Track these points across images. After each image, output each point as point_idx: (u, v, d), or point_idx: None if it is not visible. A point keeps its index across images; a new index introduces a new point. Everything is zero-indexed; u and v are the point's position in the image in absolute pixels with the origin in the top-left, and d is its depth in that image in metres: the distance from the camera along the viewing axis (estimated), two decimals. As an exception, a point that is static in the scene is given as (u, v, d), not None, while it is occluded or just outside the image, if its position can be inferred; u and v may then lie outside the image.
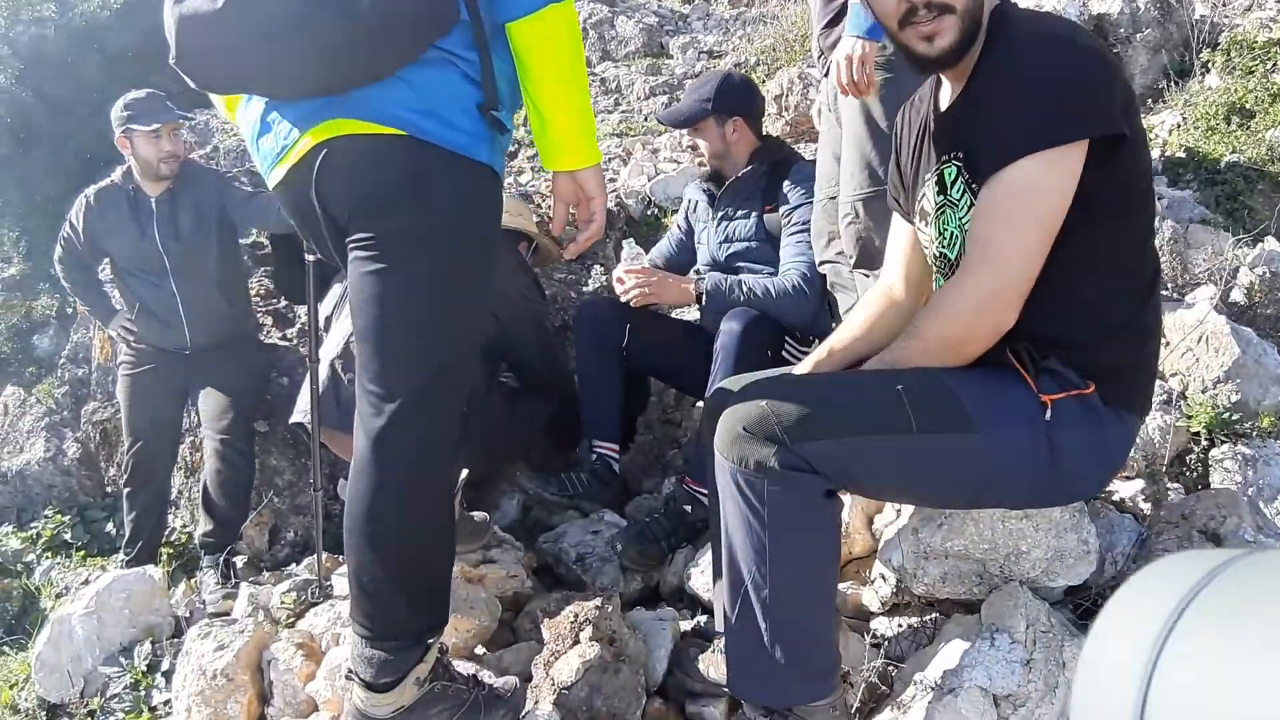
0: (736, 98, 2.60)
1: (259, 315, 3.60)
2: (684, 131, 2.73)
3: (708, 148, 2.63)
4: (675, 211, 3.89)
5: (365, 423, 1.35)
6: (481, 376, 2.79)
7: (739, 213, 2.61)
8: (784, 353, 2.39)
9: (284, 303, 3.71)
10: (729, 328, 2.24)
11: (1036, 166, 1.22)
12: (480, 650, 2.01)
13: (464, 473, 2.07)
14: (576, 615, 1.77)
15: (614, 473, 2.61)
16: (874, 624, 1.81)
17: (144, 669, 2.43)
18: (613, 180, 4.49)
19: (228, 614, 2.60)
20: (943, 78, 1.45)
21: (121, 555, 3.27)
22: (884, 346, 1.66)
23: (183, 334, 3.13)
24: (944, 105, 1.44)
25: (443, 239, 1.30)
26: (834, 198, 2.35)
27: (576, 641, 1.74)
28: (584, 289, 3.75)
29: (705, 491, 2.27)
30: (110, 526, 3.76)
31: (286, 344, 3.53)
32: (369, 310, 1.33)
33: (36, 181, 5.28)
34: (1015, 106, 1.25)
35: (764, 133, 2.71)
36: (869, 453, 1.22)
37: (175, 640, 2.55)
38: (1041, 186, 1.23)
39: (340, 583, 2.43)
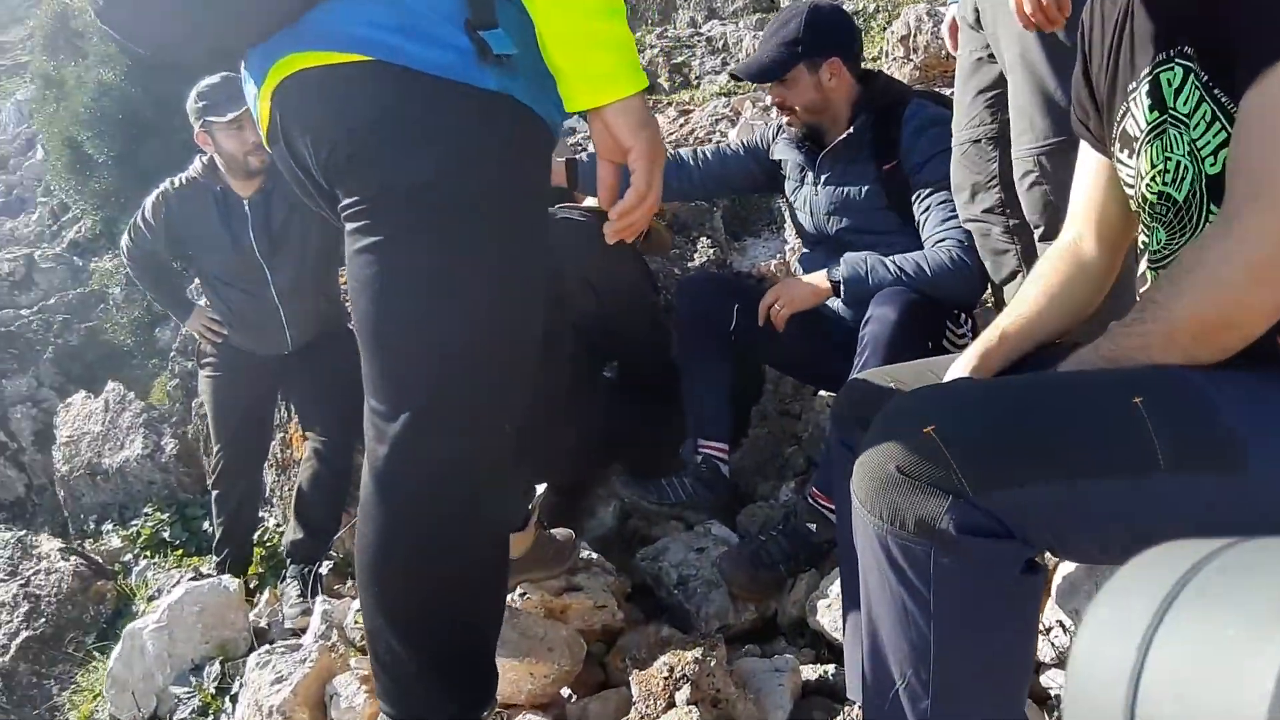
0: (830, 33, 2.10)
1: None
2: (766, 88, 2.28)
3: (801, 102, 2.15)
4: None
5: (368, 450, 1.05)
6: (584, 374, 2.48)
7: (849, 177, 2.16)
8: (944, 342, 1.95)
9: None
10: (882, 313, 1.82)
11: None
12: (566, 692, 1.70)
13: (540, 489, 1.76)
14: (672, 670, 1.43)
15: (722, 477, 2.25)
16: (1045, 678, 1.41)
17: (213, 691, 2.27)
18: (720, 142, 4.07)
19: (305, 630, 2.43)
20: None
21: (213, 557, 3.16)
22: (1069, 326, 1.24)
23: (284, 340, 2.91)
24: None
25: (446, 198, 0.97)
26: (977, 141, 1.89)
27: (671, 704, 1.40)
28: (688, 265, 3.37)
29: (834, 508, 1.88)
30: (208, 525, 3.69)
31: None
32: (360, 301, 1.02)
33: (150, 177, 5.36)
34: None
35: (863, 71, 2.24)
36: (1092, 502, 0.80)
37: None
38: None
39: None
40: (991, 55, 1.80)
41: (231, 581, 2.45)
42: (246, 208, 2.77)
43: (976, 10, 1.81)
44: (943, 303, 1.94)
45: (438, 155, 0.96)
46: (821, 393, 2.67)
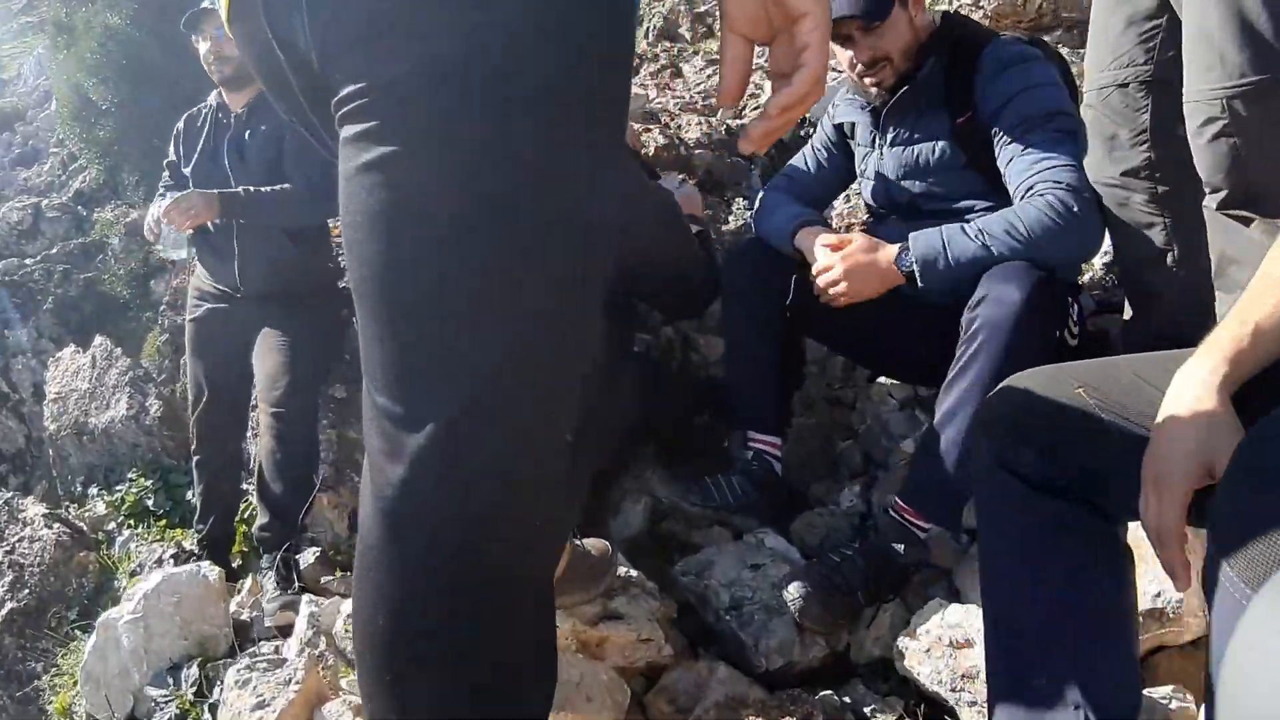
0: None
1: (341, 255, 3.03)
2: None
3: (898, 47, 1.76)
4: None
5: (372, 468, 0.71)
6: (612, 338, 2.14)
7: (919, 132, 1.80)
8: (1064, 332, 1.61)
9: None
10: (1002, 292, 1.46)
11: None
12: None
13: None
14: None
15: (776, 476, 1.93)
16: None
17: (191, 697, 1.98)
18: (755, 96, 3.70)
19: (289, 627, 2.12)
20: None
21: (194, 530, 2.89)
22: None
23: (232, 271, 2.62)
24: None
25: (512, 94, 0.63)
26: (1124, 85, 1.54)
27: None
28: (722, 229, 3.02)
29: (926, 526, 1.56)
30: (191, 494, 3.41)
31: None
32: (366, 246, 0.68)
33: (153, 124, 5.04)
34: None
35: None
36: None
37: (232, 660, 2.11)
38: None
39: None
40: (1157, -26, 1.45)
41: (211, 570, 2.16)
42: (232, 120, 2.67)
43: None
44: (1052, 270, 1.59)
45: (505, 30, 0.62)
46: (881, 380, 2.35)
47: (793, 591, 1.55)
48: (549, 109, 0.65)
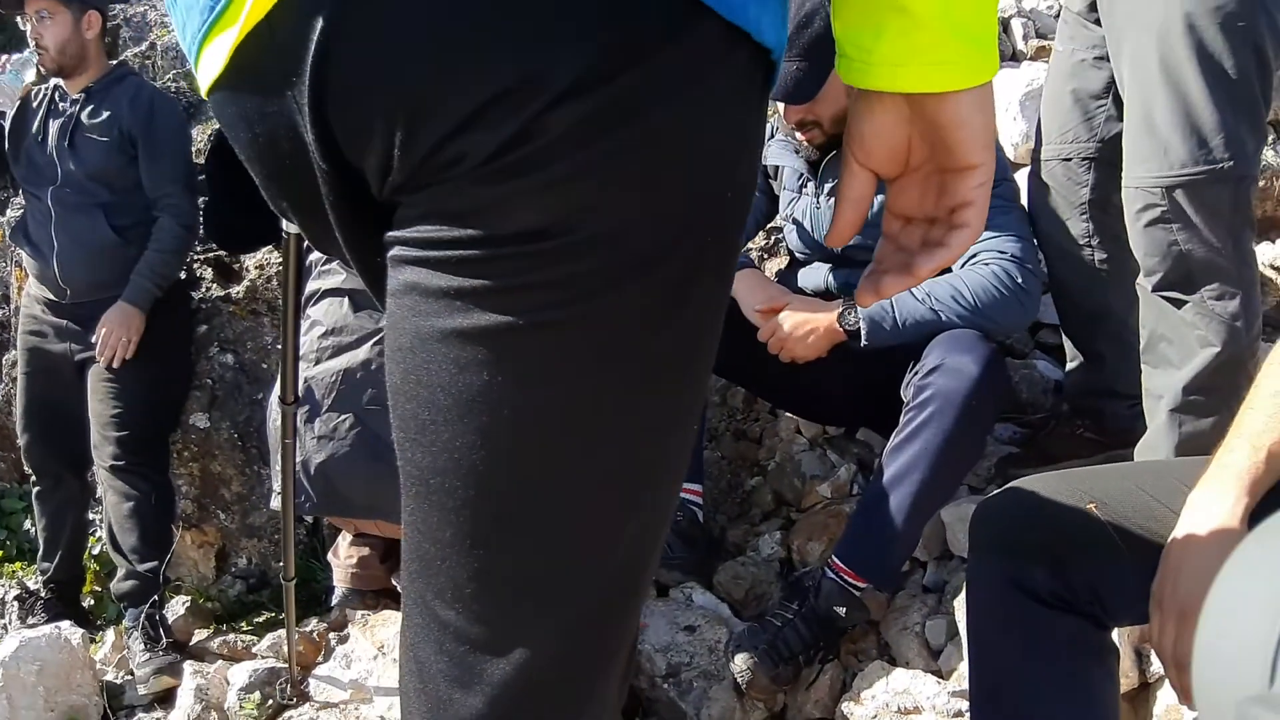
0: (828, 37, 1.71)
1: (195, 264, 2.68)
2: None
3: (832, 112, 1.71)
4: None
5: (429, 691, 0.58)
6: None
7: None
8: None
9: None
10: (959, 363, 1.45)
11: None
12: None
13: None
14: None
15: (700, 527, 1.88)
16: None
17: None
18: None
19: (168, 695, 1.90)
20: None
21: (39, 569, 2.52)
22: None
23: (53, 268, 2.28)
24: None
25: (679, 245, 0.52)
26: (1068, 160, 1.59)
27: None
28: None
29: (862, 585, 1.55)
30: (29, 523, 2.94)
31: (234, 306, 2.64)
32: (451, 435, 0.54)
33: None
34: None
35: None
36: None
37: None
38: None
39: (323, 685, 1.69)
40: (1104, 57, 1.49)
41: (73, 632, 1.93)
42: (66, 104, 2.35)
43: None
44: (991, 335, 1.62)
45: (684, 167, 0.50)
46: (788, 414, 2.35)
47: (740, 664, 1.50)
48: (709, 261, 0.54)
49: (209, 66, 0.52)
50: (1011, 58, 3.40)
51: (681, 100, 0.49)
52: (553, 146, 0.47)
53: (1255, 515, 0.86)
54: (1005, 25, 3.32)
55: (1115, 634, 1.00)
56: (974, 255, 1.61)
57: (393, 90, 0.47)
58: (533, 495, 0.54)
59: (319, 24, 0.46)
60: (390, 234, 0.53)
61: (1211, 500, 0.86)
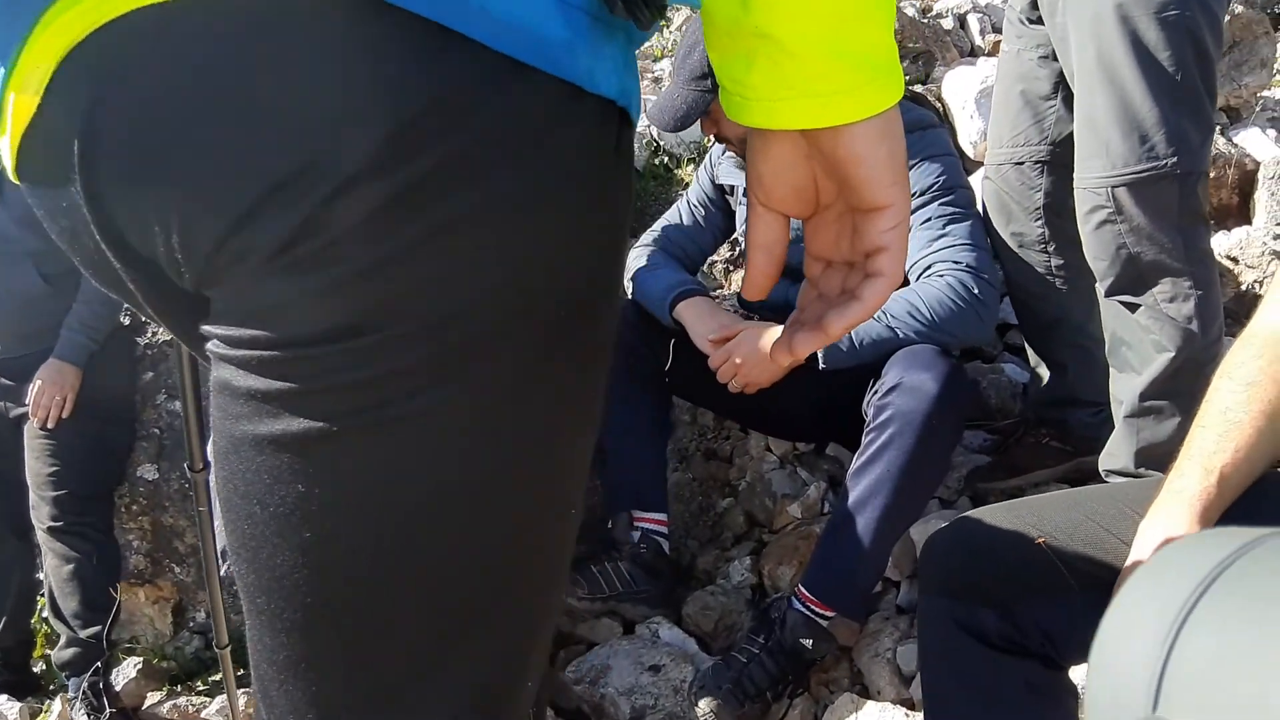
0: (708, 64, 1.63)
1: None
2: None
3: (736, 134, 1.68)
4: (691, 161, 3.01)
5: None
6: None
7: None
8: None
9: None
10: (918, 381, 1.40)
11: None
12: None
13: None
14: None
15: (664, 557, 1.82)
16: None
17: None
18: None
19: None
20: None
21: None
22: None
23: None
24: None
25: (515, 331, 0.46)
26: (1019, 164, 1.53)
27: None
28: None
29: (830, 614, 1.49)
30: None
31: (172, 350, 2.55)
32: (283, 554, 0.47)
33: None
34: None
35: None
36: None
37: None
38: None
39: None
40: (1050, 55, 1.44)
41: (11, 706, 1.84)
42: None
43: None
44: (956, 353, 1.57)
45: (509, 228, 0.44)
46: (757, 434, 2.29)
47: (704, 707, 1.44)
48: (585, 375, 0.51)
49: (6, 160, 0.49)
50: (970, 54, 3.37)
51: (501, 172, 0.43)
52: (348, 238, 0.41)
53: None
54: (962, 21, 3.29)
55: (1075, 673, 0.94)
56: (929, 267, 1.55)
57: (160, 192, 0.42)
58: (366, 618, 0.48)
59: (76, 127, 0.42)
60: (203, 326, 0.47)
61: (1162, 530, 0.80)
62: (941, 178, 1.57)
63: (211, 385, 0.48)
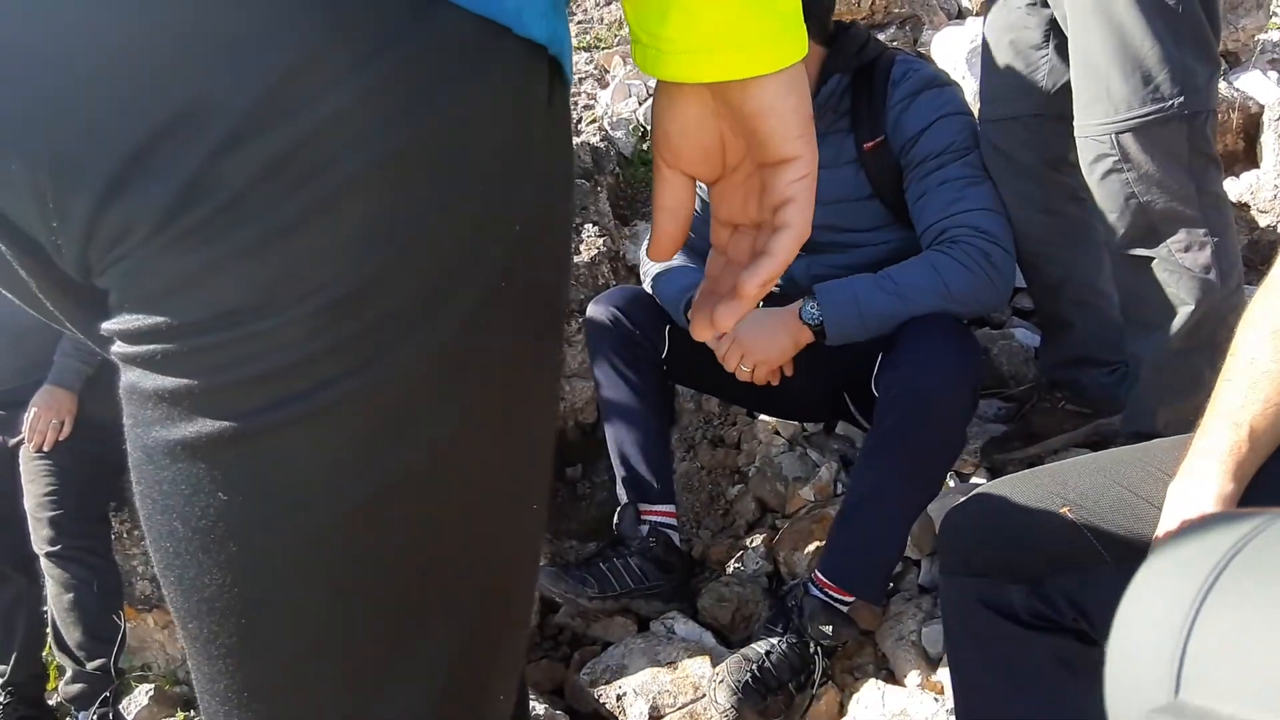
0: None
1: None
2: None
3: None
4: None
5: None
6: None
7: (821, 159, 1.63)
8: None
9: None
10: (929, 357, 1.33)
11: None
12: None
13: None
14: None
15: (676, 550, 1.76)
16: None
17: None
18: (589, 108, 3.51)
19: None
20: None
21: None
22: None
23: None
24: None
25: (444, 304, 0.40)
26: (1015, 118, 1.47)
27: None
28: (576, 262, 2.82)
29: (849, 599, 1.44)
30: None
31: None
32: (210, 573, 0.42)
33: None
34: None
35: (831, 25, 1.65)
36: None
37: None
38: None
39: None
40: (1038, 1, 1.37)
41: None
42: None
43: None
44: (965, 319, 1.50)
45: (433, 203, 0.39)
46: (764, 416, 2.23)
47: (723, 701, 1.39)
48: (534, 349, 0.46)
49: None
50: (958, 15, 3.29)
51: (415, 122, 0.37)
52: (242, 199, 0.36)
53: (1245, 499, 0.75)
54: (948, -17, 3.22)
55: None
56: (944, 231, 1.47)
57: (21, 147, 0.36)
58: (307, 638, 0.43)
59: None
60: (103, 326, 0.42)
61: (1194, 491, 0.75)
62: (960, 136, 1.50)
63: (121, 392, 0.43)
